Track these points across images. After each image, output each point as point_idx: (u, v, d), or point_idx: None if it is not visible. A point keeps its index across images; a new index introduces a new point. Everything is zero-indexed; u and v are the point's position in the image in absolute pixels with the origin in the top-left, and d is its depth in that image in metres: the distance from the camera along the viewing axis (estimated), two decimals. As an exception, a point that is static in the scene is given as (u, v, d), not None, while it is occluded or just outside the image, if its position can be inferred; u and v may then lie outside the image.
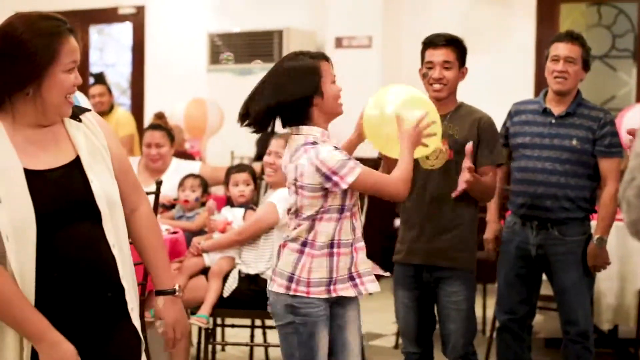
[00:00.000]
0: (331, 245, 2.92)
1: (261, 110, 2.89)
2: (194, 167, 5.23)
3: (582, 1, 7.48)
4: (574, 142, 3.91)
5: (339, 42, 7.58)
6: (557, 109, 3.98)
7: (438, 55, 3.61)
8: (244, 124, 2.94)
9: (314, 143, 2.88)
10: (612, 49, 7.36)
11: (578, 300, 3.94)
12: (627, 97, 7.26)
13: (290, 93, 2.87)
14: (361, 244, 2.99)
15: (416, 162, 3.24)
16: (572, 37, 3.93)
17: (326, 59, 2.98)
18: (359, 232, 3.00)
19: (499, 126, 3.88)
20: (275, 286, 2.95)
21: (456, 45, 3.65)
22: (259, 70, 7.99)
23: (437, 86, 3.62)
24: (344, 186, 2.84)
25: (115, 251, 2.31)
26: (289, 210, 3.05)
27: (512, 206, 4.10)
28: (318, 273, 2.91)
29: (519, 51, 7.28)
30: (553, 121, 3.97)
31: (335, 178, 2.84)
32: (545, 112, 4.00)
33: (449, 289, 3.64)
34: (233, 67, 7.90)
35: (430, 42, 3.66)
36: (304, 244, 2.93)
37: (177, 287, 2.52)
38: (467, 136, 3.59)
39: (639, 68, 7.19)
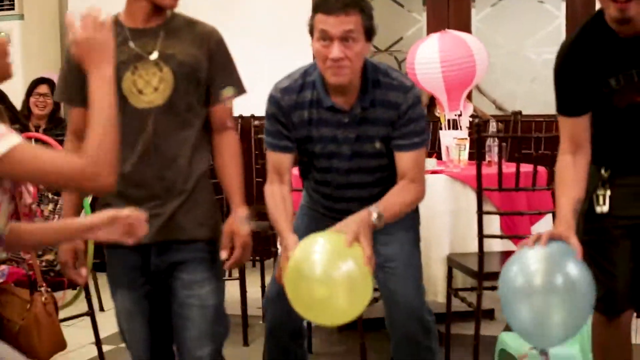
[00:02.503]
0: None
1: None
2: None
3: None
4: (377, 144, 2.85)
5: None
6: (345, 103, 2.84)
7: None
8: None
9: None
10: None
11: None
12: (418, 36, 6.52)
13: None
14: None
15: (124, 100, 2.51)
16: (345, 3, 2.68)
17: None
18: None
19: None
20: None
21: None
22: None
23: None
24: None
25: None
26: None
27: (311, 204, 3.10)
28: None
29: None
30: (346, 120, 2.84)
31: None
32: (334, 108, 2.84)
33: (187, 276, 2.62)
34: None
35: None
36: None
37: None
38: (196, 55, 2.60)
39: (428, 6, 6.49)
